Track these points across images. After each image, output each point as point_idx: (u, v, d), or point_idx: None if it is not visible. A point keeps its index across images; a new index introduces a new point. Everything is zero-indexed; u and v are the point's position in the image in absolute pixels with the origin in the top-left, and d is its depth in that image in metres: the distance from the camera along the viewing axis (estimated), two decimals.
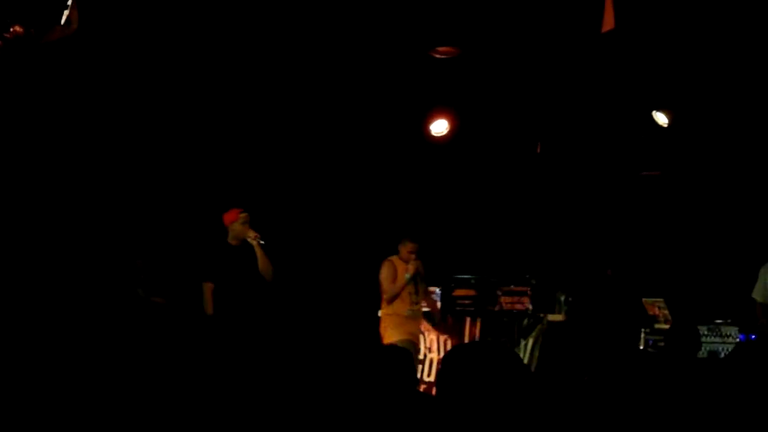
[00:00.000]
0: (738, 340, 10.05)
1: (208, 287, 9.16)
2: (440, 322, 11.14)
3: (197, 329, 9.20)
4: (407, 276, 10.08)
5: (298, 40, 10.11)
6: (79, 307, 10.09)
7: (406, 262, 10.16)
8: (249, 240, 9.25)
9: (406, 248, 10.18)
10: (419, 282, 10.21)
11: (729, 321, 10.18)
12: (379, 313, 10.37)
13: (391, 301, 10.12)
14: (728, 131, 11.54)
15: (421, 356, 11.10)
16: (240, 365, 8.44)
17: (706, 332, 10.00)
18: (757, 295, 10.20)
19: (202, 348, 8.69)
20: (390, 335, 9.99)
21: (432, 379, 11.00)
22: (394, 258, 10.22)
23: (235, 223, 9.31)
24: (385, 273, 10.20)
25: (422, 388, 10.62)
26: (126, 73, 10.32)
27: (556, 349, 10.39)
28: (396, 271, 10.15)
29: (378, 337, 10.26)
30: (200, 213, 9.85)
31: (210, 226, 9.52)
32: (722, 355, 9.92)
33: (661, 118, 11.47)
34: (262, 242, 9.25)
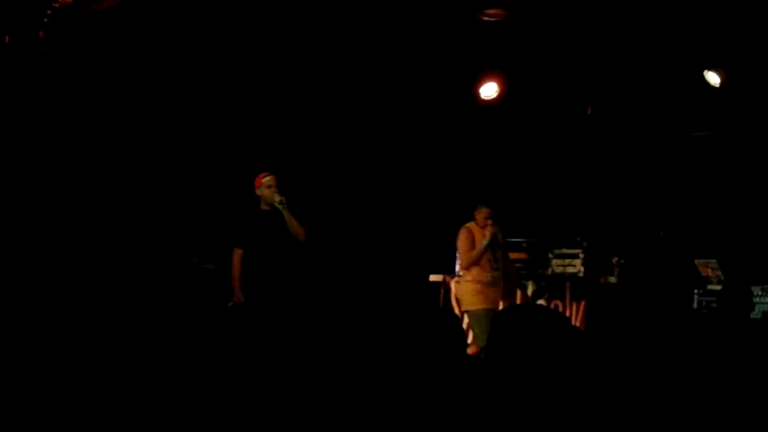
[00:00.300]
0: None
1: (237, 253, 9.25)
2: (518, 288, 11.09)
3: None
4: (485, 242, 10.01)
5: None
6: (135, 278, 10.25)
7: (483, 227, 10.10)
8: (275, 204, 9.29)
9: (481, 214, 10.12)
10: (498, 248, 10.15)
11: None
12: (455, 280, 10.38)
13: (469, 267, 10.10)
14: None
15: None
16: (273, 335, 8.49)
17: (759, 293, 9.94)
18: None
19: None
20: (470, 302, 9.98)
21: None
22: (471, 224, 10.17)
23: (262, 188, 9.38)
24: (462, 240, 10.15)
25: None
26: (157, 57, 10.41)
27: (609, 312, 10.37)
28: (474, 237, 10.10)
29: (435, 302, 10.30)
30: (242, 181, 9.89)
31: (247, 193, 9.57)
32: None
33: (713, 78, 11.37)
34: (283, 205, 9.26)
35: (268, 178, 9.38)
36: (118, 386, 4.27)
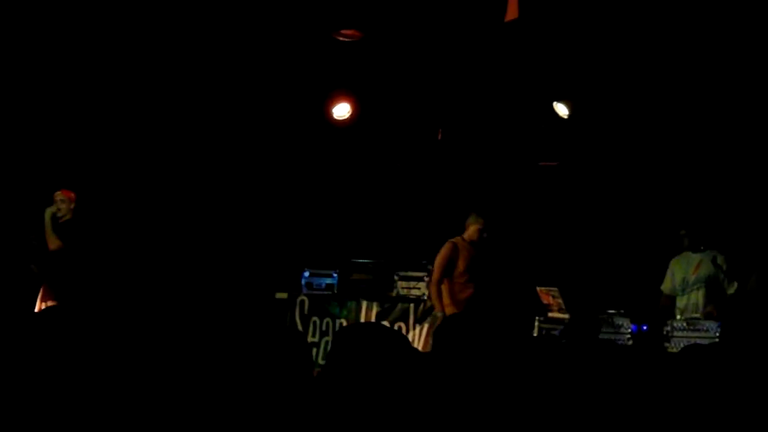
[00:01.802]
0: (630, 330, 10.19)
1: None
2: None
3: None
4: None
5: (199, 22, 10.03)
6: None
7: (476, 241, 10.24)
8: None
9: (474, 225, 10.38)
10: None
11: (621, 312, 10.30)
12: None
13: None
14: (627, 123, 11.68)
15: (316, 339, 11.07)
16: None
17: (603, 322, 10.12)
18: (664, 287, 10.55)
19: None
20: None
21: None
22: (458, 240, 10.29)
23: (56, 201, 10.25)
24: (439, 258, 10.33)
25: (316, 372, 10.59)
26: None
27: (450, 335, 10.40)
28: (456, 258, 10.30)
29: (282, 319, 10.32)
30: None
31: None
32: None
33: (561, 109, 11.59)
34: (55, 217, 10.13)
35: (58, 193, 10.25)
36: None
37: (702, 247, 10.43)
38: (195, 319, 10.48)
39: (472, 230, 10.41)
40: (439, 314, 10.20)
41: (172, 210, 12.10)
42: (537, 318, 10.63)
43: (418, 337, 10.70)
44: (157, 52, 10.72)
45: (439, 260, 10.38)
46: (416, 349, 8.30)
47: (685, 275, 10.50)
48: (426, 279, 11.01)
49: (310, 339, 10.88)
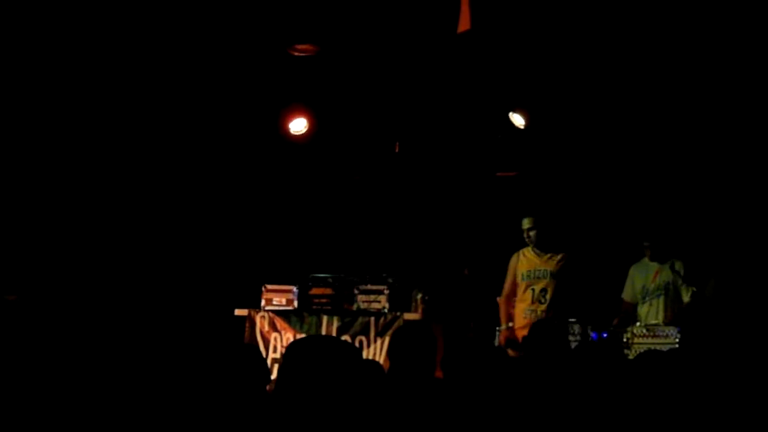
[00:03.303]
0: (590, 338, 10.22)
1: None
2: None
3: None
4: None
5: (152, 35, 9.98)
6: None
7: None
8: None
9: (523, 226, 10.35)
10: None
11: (573, 320, 10.33)
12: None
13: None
14: (585, 132, 11.74)
15: (278, 355, 11.03)
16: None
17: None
18: (625, 295, 10.63)
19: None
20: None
21: None
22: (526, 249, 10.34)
23: None
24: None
25: None
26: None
27: (411, 348, 10.40)
28: (516, 265, 10.34)
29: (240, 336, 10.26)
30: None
31: None
32: None
33: (517, 120, 11.62)
34: None
35: None
36: None
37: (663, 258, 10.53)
38: (151, 334, 10.48)
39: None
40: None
41: (131, 225, 12.04)
42: (497, 329, 10.66)
43: (380, 351, 10.68)
44: (106, 62, 10.66)
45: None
46: (367, 360, 8.29)
47: (644, 283, 10.57)
48: (386, 292, 11.00)
49: (271, 355, 10.83)
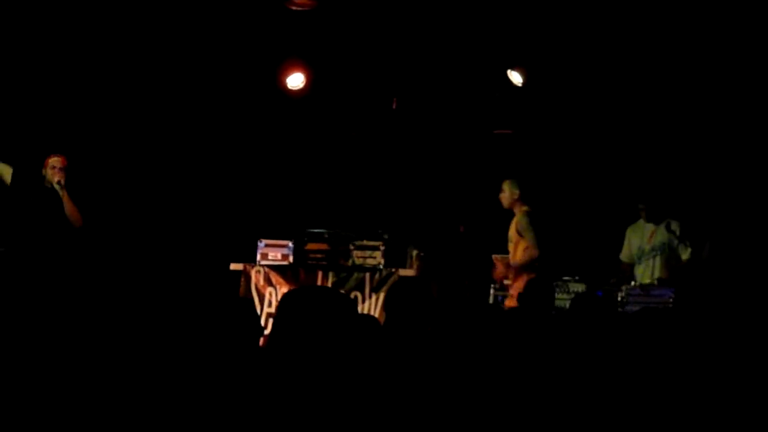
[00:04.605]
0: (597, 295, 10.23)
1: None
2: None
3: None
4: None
5: None
6: None
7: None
8: (54, 185, 9.75)
9: None
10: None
11: (576, 278, 10.36)
12: None
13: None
14: (584, 91, 11.72)
15: (273, 309, 11.04)
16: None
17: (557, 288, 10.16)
18: (622, 255, 10.68)
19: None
20: None
21: None
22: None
23: (47, 167, 9.88)
24: None
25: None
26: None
27: (405, 303, 10.42)
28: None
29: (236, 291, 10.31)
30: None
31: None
32: None
33: (515, 77, 11.60)
34: (60, 186, 9.73)
35: (54, 158, 9.83)
36: None
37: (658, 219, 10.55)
38: (147, 291, 10.49)
39: None
40: None
41: (125, 181, 12.02)
42: (492, 285, 10.68)
43: (374, 306, 10.71)
44: (104, 19, 10.61)
45: None
46: (363, 314, 8.31)
47: (640, 244, 10.60)
48: (382, 248, 11.02)
49: (266, 310, 10.85)
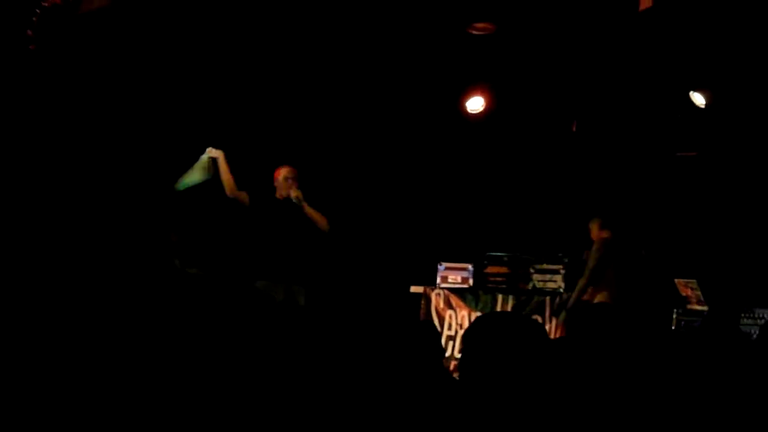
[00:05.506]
0: None
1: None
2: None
3: (233, 298, 9.37)
4: None
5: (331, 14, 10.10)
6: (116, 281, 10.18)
7: None
8: (291, 198, 9.67)
9: None
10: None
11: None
12: None
13: None
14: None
15: (452, 332, 11.09)
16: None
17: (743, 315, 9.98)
18: None
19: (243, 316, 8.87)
20: None
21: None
22: None
23: (279, 179, 9.81)
24: None
25: (453, 365, 10.61)
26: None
27: (588, 329, 10.33)
28: None
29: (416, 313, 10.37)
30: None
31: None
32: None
33: (698, 99, 11.42)
34: (299, 201, 9.67)
35: (286, 169, 9.83)
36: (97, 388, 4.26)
37: None
38: (328, 313, 10.62)
39: None
40: None
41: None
42: (675, 310, 10.52)
43: (554, 330, 10.67)
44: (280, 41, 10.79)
45: None
46: (554, 340, 8.29)
47: None
48: (562, 271, 10.99)
49: (446, 332, 10.92)
